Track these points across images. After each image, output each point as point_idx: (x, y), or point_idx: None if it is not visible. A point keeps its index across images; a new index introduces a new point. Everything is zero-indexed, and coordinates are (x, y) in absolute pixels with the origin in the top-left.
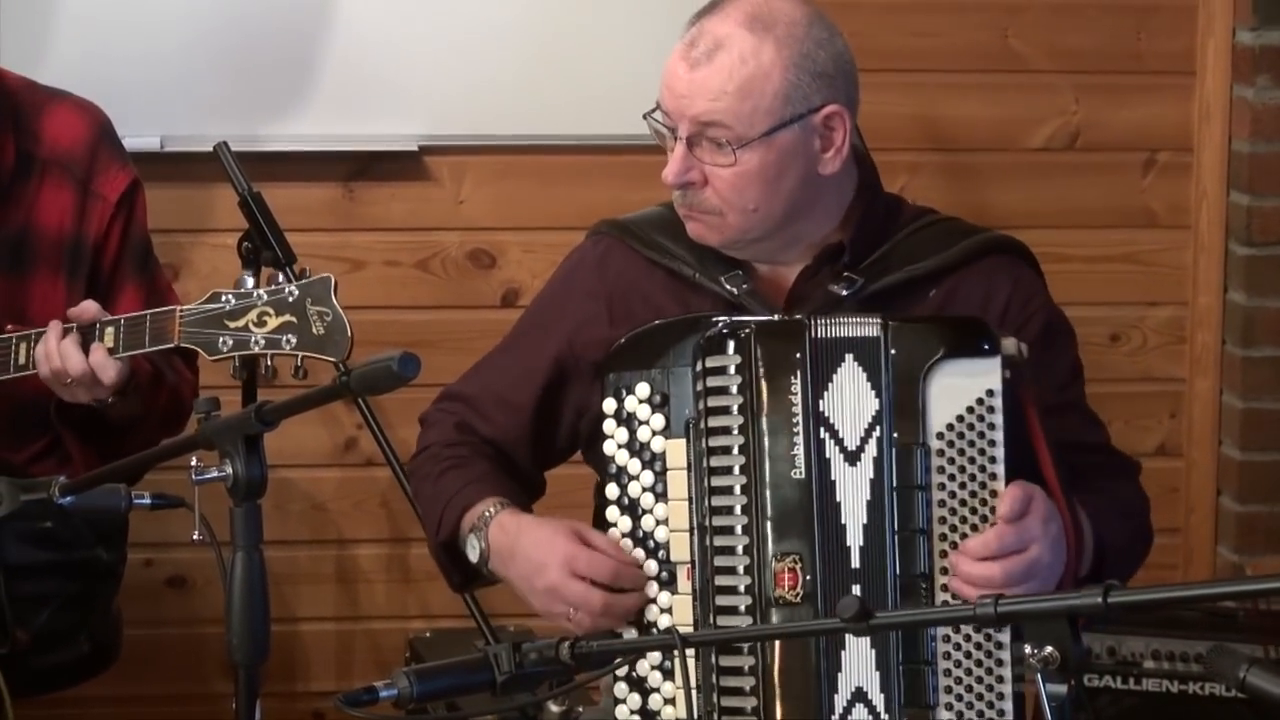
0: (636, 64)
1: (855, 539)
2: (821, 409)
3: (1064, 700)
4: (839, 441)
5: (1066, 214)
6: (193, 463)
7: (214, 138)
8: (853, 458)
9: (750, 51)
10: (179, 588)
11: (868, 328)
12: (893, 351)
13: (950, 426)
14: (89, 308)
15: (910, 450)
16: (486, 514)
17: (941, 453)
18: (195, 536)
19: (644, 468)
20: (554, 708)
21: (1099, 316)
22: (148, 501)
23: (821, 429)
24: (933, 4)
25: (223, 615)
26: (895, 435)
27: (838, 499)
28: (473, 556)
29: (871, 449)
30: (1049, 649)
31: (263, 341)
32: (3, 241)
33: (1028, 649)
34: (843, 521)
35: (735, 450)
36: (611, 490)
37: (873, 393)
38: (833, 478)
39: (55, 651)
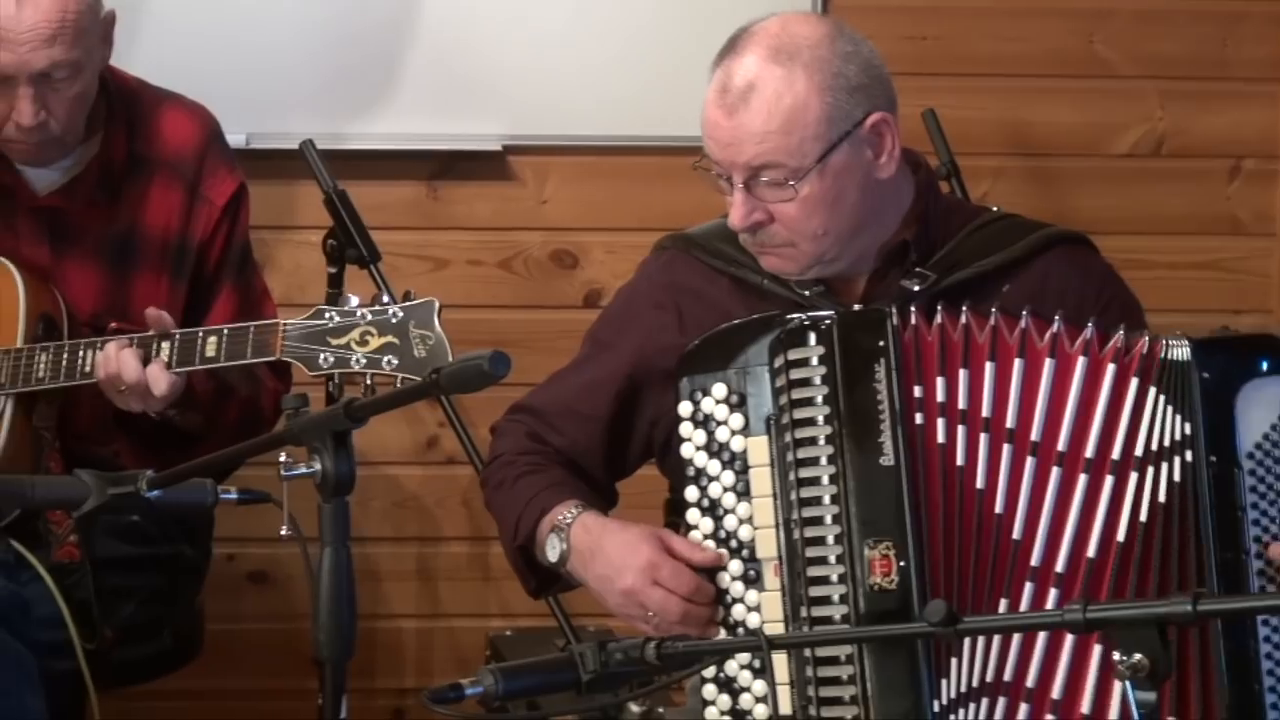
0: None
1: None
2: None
3: (1154, 708)
4: (1044, 447)
5: (1151, 220)
6: (281, 458)
7: (299, 135)
8: (1092, 466)
9: (783, 85)
10: (261, 582)
11: (1177, 350)
12: (1204, 375)
13: (1258, 445)
14: (165, 320)
15: (1228, 471)
16: (567, 515)
17: (1253, 472)
18: (283, 532)
19: (724, 468)
20: (634, 708)
21: (1182, 324)
22: (234, 496)
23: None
24: (1019, 9)
25: (304, 610)
26: (1212, 459)
27: (984, 487)
28: (552, 557)
29: (1174, 467)
30: (1138, 656)
31: (364, 360)
32: (110, 238)
33: (1116, 656)
34: (1000, 511)
35: (821, 440)
36: (691, 493)
37: (1177, 415)
38: (1002, 475)
39: (139, 645)
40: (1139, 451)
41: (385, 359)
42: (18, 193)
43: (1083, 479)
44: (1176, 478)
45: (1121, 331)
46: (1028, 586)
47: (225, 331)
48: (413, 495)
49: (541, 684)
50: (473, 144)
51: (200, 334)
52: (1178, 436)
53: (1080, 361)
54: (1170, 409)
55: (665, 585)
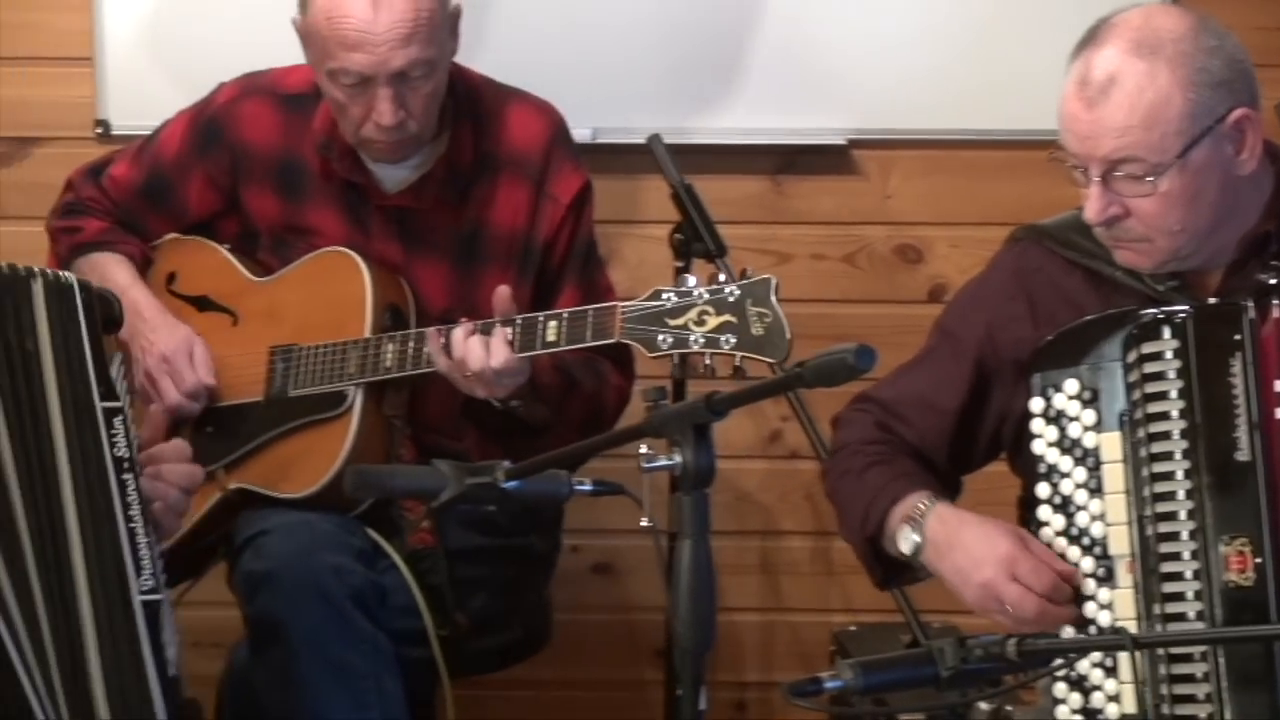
0: (1067, 58)
1: None
2: None
3: None
4: None
5: None
6: (641, 450)
7: (644, 130)
8: None
9: (1146, 80)
10: (605, 574)
11: None
12: None
13: None
14: (509, 297)
15: None
16: (921, 506)
17: None
18: (644, 522)
19: (1076, 464)
20: (984, 707)
21: None
22: (589, 488)
23: None
24: None
25: (647, 602)
26: None
27: None
28: (905, 548)
29: None
30: None
31: (702, 340)
32: (458, 236)
33: None
34: None
35: (1175, 436)
36: (1042, 489)
37: None
38: None
39: (490, 635)
40: None
41: (724, 338)
42: (369, 192)
43: None
44: None
45: None
46: None
47: (565, 315)
48: (755, 489)
49: (901, 679)
50: (817, 138)
51: (541, 318)
52: None
53: None
54: None
55: (1023, 581)
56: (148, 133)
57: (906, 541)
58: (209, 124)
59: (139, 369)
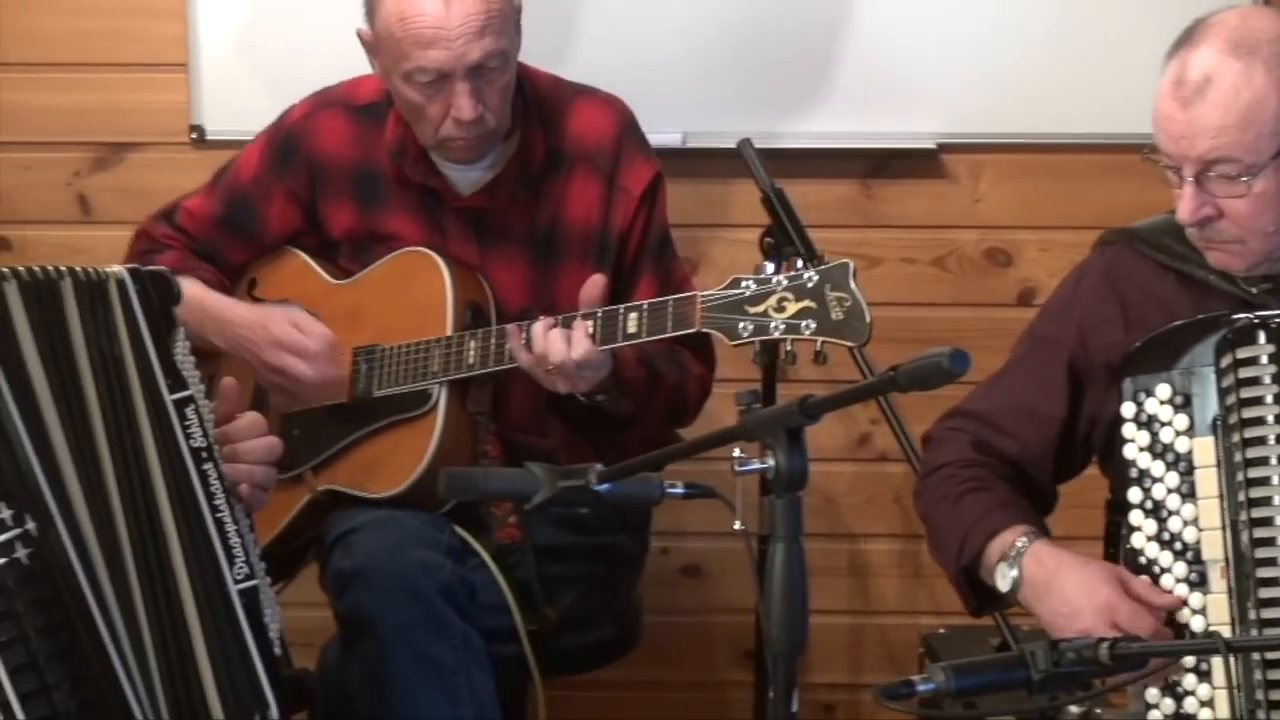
0: (1157, 61)
1: None
2: None
3: None
4: None
5: None
6: (735, 453)
7: (734, 134)
8: None
9: (1242, 80)
10: (694, 576)
11: None
12: None
13: None
14: (600, 287)
15: None
16: (1019, 544)
17: None
18: (737, 526)
19: (1168, 469)
20: (1073, 710)
21: None
22: (680, 491)
23: None
24: None
25: (737, 604)
26: None
27: None
28: (1003, 586)
29: None
30: None
31: (783, 327)
32: (534, 234)
33: None
34: None
35: (1272, 440)
36: (1134, 494)
37: None
38: None
39: (580, 633)
40: None
41: (804, 323)
42: (444, 195)
43: None
44: None
45: None
46: None
47: (645, 307)
48: (844, 492)
49: (993, 682)
50: (906, 142)
51: (621, 310)
52: None
53: None
54: None
55: (1124, 628)
56: (241, 137)
57: (1004, 579)
58: (285, 141)
59: (258, 375)
